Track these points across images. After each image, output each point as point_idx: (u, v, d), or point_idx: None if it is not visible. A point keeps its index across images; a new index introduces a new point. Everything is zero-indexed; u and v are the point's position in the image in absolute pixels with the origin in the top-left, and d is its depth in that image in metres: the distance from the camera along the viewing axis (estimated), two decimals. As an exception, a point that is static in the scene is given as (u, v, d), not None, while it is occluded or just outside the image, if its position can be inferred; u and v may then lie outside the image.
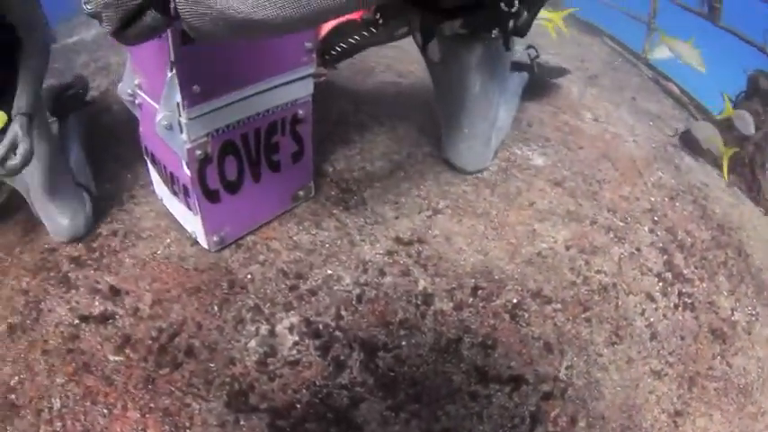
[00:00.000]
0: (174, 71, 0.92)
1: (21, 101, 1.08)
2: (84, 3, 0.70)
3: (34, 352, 1.00)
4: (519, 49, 1.45)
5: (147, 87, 1.08)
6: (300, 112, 1.09)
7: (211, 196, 1.05)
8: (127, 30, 0.71)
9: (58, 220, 1.19)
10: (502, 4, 1.12)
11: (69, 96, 1.44)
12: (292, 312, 1.01)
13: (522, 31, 1.19)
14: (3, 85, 1.06)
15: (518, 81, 1.40)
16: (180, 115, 0.97)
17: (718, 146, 1.45)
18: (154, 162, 1.17)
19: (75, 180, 1.25)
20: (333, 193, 1.17)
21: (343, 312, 1.01)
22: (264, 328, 1.00)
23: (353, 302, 1.02)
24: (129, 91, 1.13)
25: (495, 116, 1.24)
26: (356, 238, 1.09)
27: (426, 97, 1.45)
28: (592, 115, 1.55)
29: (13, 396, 0.93)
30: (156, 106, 1.05)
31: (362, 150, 1.28)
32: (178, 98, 0.95)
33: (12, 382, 0.94)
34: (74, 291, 1.11)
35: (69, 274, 1.16)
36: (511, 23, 1.15)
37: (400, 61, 1.78)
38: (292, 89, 1.07)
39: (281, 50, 1.03)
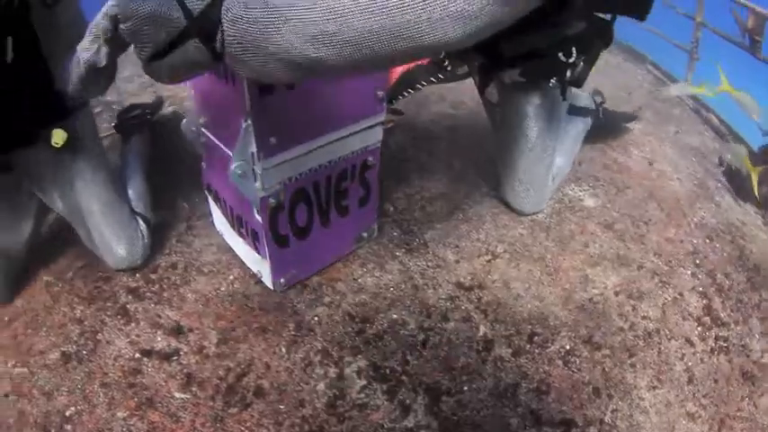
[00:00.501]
0: (251, 122, 0.92)
1: None
2: (122, 22, 0.66)
3: (92, 383, 1.02)
4: (585, 95, 1.46)
5: (213, 128, 1.08)
6: (370, 158, 1.09)
7: (281, 241, 1.06)
8: (163, 59, 0.66)
9: (115, 248, 1.20)
10: (560, 55, 1.13)
11: (133, 117, 1.40)
12: (360, 356, 1.05)
13: (578, 82, 1.21)
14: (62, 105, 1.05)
15: (581, 127, 1.41)
16: (254, 165, 0.97)
17: (747, 165, 1.49)
18: (217, 200, 1.17)
19: (132, 208, 1.24)
20: (395, 233, 1.19)
21: (408, 357, 1.05)
22: (333, 372, 1.03)
23: (418, 347, 1.06)
24: (194, 128, 1.12)
25: (551, 162, 1.26)
26: (419, 282, 1.12)
27: (481, 132, 1.46)
28: (639, 152, 1.58)
29: (69, 427, 0.96)
30: (223, 147, 1.05)
31: (422, 189, 1.29)
32: (254, 149, 0.95)
33: (68, 413, 0.97)
34: (133, 324, 1.14)
35: (128, 306, 1.18)
36: (568, 73, 1.17)
37: (452, 91, 1.78)
38: (364, 137, 1.07)
39: (354, 100, 1.03)
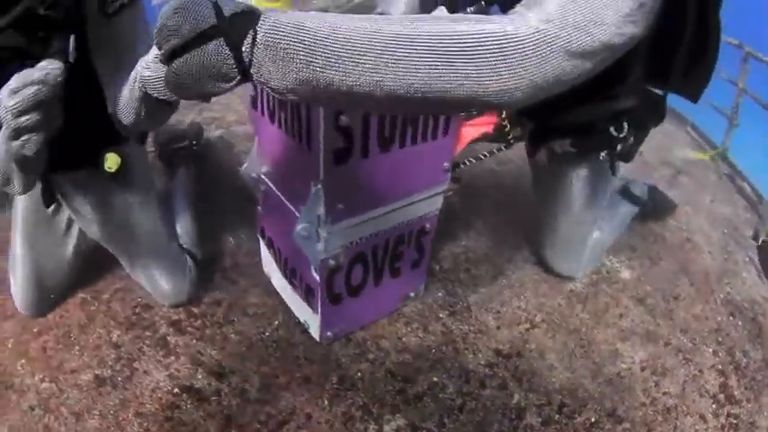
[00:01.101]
0: (321, 187, 0.93)
1: None
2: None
3: (126, 411, 1.05)
4: (640, 183, 1.48)
5: (277, 181, 1.08)
6: (428, 225, 1.11)
7: (334, 299, 1.08)
8: (179, 58, 0.58)
9: (161, 284, 1.19)
10: (611, 129, 1.15)
11: (179, 149, 1.37)
12: (399, 415, 1.08)
13: (628, 156, 1.23)
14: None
15: (629, 212, 1.44)
16: (320, 228, 0.98)
17: None
18: (270, 246, 1.17)
19: (180, 243, 1.23)
20: (440, 294, 1.22)
21: (445, 420, 1.09)
22: (373, 428, 1.07)
23: (455, 411, 1.10)
24: (254, 175, 1.12)
25: (590, 231, 1.29)
26: (461, 347, 1.15)
27: (525, 192, 1.48)
28: (675, 222, 1.61)
29: (99, 451, 0.96)
30: (285, 202, 1.06)
31: (467, 249, 1.32)
32: (322, 213, 0.96)
33: (99, 437, 0.98)
34: (173, 357, 1.16)
35: (168, 339, 1.20)
36: (618, 147, 1.18)
37: (500, 147, 1.78)
38: (425, 205, 1.09)
39: (422, 171, 1.04)
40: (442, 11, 1.02)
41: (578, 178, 1.24)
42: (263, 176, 1.11)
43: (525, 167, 1.39)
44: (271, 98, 1.00)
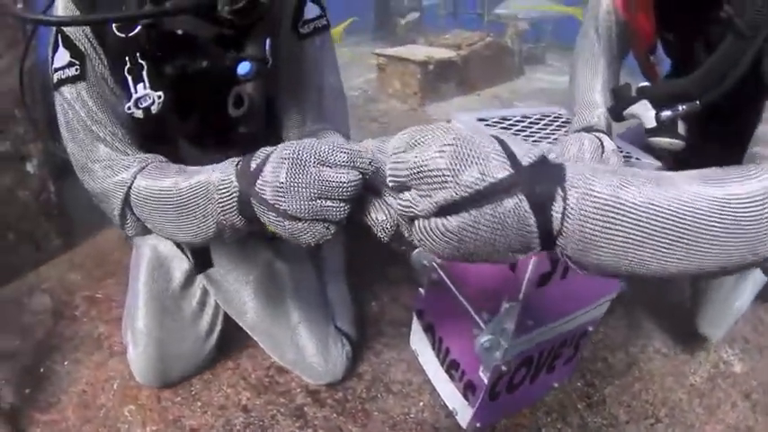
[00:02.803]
0: (517, 306, 0.92)
1: None
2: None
3: None
4: None
5: (456, 279, 1.06)
6: (591, 328, 1.11)
7: (493, 396, 1.08)
8: (457, 214, 0.46)
9: (316, 367, 1.15)
10: None
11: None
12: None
13: None
14: None
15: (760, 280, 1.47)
16: (502, 339, 0.97)
17: None
18: (428, 331, 1.16)
19: (334, 322, 1.19)
20: (579, 384, 1.24)
21: None
22: None
23: (587, 505, 1.14)
24: (426, 263, 1.09)
25: (739, 297, 1.33)
26: (594, 440, 1.19)
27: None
28: None
29: None
30: (463, 302, 1.04)
31: (606, 337, 1.34)
32: (510, 327, 0.95)
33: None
34: (311, 430, 1.13)
35: (305, 410, 1.17)
36: None
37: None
38: (596, 311, 1.09)
39: (602, 284, 1.03)
40: (646, 105, 0.98)
41: None
42: (437, 267, 1.09)
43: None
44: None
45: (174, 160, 0.95)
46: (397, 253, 1.45)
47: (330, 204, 0.56)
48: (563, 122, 1.14)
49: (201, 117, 0.95)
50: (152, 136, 0.97)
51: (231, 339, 1.28)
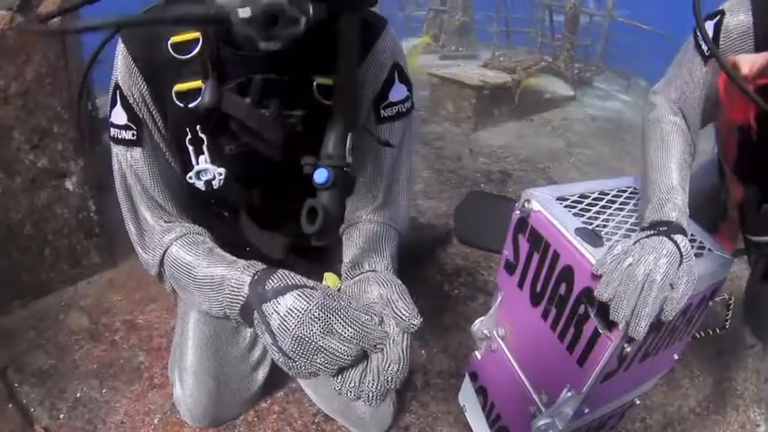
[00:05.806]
0: (579, 397, 0.93)
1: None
2: None
3: None
4: None
5: (516, 352, 1.07)
6: (638, 401, 1.14)
7: (539, 464, 1.12)
8: None
9: (360, 413, 1.16)
10: None
11: None
12: None
13: None
14: None
15: None
16: (558, 421, 0.99)
17: None
18: (480, 394, 1.17)
19: None
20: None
21: None
22: None
23: None
24: (486, 332, 1.09)
25: None
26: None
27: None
28: None
29: None
30: (521, 376, 1.05)
31: (645, 396, 1.35)
32: (569, 413, 0.97)
33: None
34: None
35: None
36: None
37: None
38: (645, 387, 1.10)
39: (659, 365, 1.05)
40: None
41: None
42: (498, 338, 1.09)
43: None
44: (542, 281, 0.96)
45: (229, 229, 0.95)
46: (450, 298, 1.44)
47: (322, 364, 0.66)
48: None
49: (266, 198, 0.92)
50: (212, 204, 0.95)
51: (278, 384, 1.29)
